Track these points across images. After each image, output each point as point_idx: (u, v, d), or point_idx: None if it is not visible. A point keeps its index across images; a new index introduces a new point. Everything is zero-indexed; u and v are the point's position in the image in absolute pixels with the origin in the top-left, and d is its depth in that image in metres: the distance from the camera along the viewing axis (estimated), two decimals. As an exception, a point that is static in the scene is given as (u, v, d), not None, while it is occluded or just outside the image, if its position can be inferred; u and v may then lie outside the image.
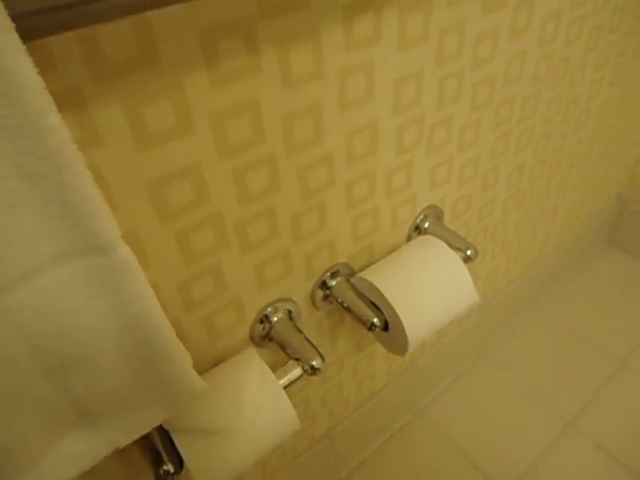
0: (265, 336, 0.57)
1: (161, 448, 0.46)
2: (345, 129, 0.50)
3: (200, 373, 0.50)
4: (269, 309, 0.56)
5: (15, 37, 0.19)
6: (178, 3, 0.29)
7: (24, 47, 0.20)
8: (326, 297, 0.61)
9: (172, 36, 0.34)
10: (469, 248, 0.63)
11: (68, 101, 0.32)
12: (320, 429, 0.81)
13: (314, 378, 0.71)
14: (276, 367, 0.53)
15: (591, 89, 0.82)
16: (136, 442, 0.47)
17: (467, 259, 0.63)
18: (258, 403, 0.47)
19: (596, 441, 0.94)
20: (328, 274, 0.60)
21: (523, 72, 0.66)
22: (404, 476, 0.93)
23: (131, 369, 0.32)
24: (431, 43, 0.51)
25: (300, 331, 0.56)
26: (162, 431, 0.46)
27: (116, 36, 0.31)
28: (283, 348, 0.56)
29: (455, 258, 0.58)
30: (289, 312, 0.58)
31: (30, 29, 0.23)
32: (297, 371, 0.52)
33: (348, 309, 0.59)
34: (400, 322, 0.54)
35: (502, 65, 0.62)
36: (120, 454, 0.51)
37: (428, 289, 0.56)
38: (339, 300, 0.60)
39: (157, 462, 0.46)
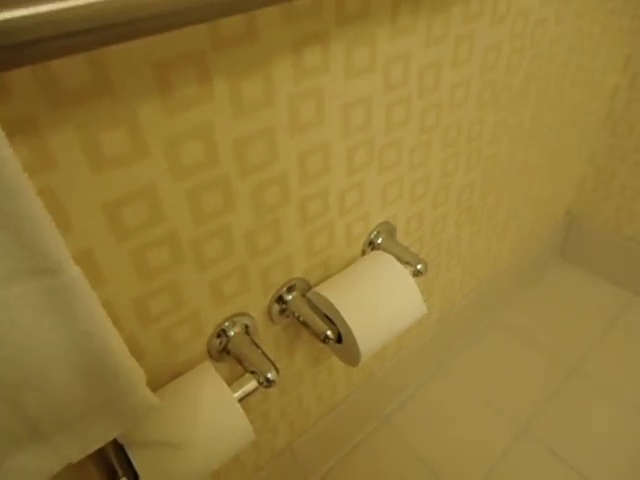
0: (222, 350, 0.58)
1: (116, 462, 0.47)
2: (297, 151, 0.53)
3: (158, 387, 0.52)
4: (226, 324, 0.57)
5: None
6: (133, 40, 0.31)
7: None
8: (282, 311, 0.63)
9: (126, 69, 0.36)
10: (419, 262, 0.67)
11: (23, 128, 0.33)
12: (281, 441, 0.83)
13: (272, 391, 0.72)
14: (233, 380, 0.55)
15: (534, 112, 0.88)
16: (91, 457, 0.48)
17: (417, 273, 0.67)
18: (212, 415, 0.48)
19: (550, 447, 0.98)
20: (284, 289, 0.62)
21: (468, 98, 0.70)
22: (366, 486, 0.95)
23: (82, 385, 0.33)
24: (377, 72, 0.55)
25: (257, 345, 0.58)
26: (117, 445, 0.47)
27: (71, 69, 0.33)
28: (240, 362, 0.57)
29: (404, 272, 0.62)
30: (246, 326, 0.60)
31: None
32: (252, 384, 0.54)
33: (304, 323, 0.61)
34: (352, 334, 0.57)
35: (447, 92, 0.66)
36: (74, 470, 0.52)
37: (379, 302, 0.59)
38: (295, 314, 0.62)
39: (112, 477, 0.46)
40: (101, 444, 0.37)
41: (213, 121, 0.44)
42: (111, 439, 0.38)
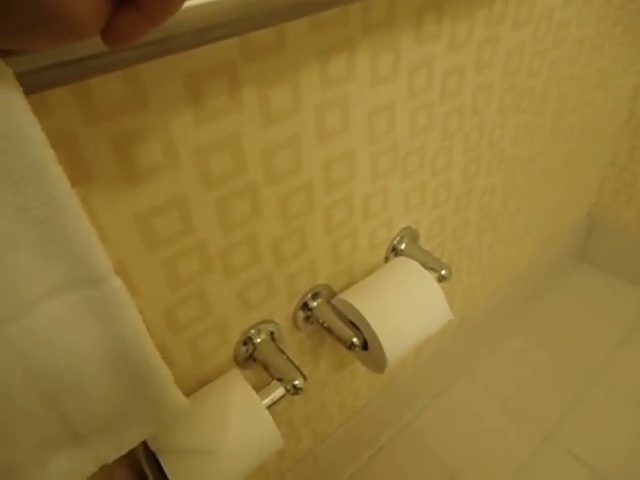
0: (249, 357, 0.59)
1: (147, 469, 0.47)
2: (323, 158, 0.53)
3: (186, 395, 0.52)
4: (252, 331, 0.58)
5: (22, 97, 0.22)
6: (169, 55, 0.31)
7: (29, 106, 0.22)
8: (307, 318, 0.63)
9: (159, 82, 0.37)
10: (443, 268, 0.67)
11: (61, 141, 0.34)
12: (304, 447, 0.83)
13: (297, 397, 0.72)
14: (260, 387, 0.55)
15: (555, 115, 0.87)
16: (124, 464, 0.48)
17: (441, 278, 0.66)
18: (242, 423, 0.48)
19: (573, 453, 0.97)
20: (309, 296, 0.62)
21: (490, 102, 0.70)
22: (388, 493, 0.94)
23: (120, 389, 0.34)
24: (401, 79, 0.55)
25: (282, 352, 0.58)
26: (148, 452, 0.47)
27: (107, 85, 0.34)
28: (266, 368, 0.58)
29: (429, 278, 0.61)
30: (271, 333, 0.60)
31: (30, 85, 0.26)
32: (280, 391, 0.54)
33: (329, 329, 0.61)
34: (378, 340, 0.57)
35: (469, 96, 0.66)
36: (109, 477, 0.52)
37: (404, 308, 0.59)
38: (320, 321, 0.62)
39: (143, 483, 0.47)
40: (133, 445, 0.38)
41: (242, 130, 0.44)
42: (143, 439, 0.38)
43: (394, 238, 0.69)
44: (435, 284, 0.61)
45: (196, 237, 0.46)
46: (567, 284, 1.34)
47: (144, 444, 0.47)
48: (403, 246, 0.70)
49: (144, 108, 0.37)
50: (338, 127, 0.52)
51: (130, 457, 0.48)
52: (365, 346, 0.61)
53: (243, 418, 0.49)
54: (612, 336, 1.19)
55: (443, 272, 0.67)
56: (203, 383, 0.56)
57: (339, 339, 0.59)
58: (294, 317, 0.62)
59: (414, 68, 0.56)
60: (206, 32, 0.32)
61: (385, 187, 0.63)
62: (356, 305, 0.58)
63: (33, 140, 0.22)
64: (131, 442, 0.38)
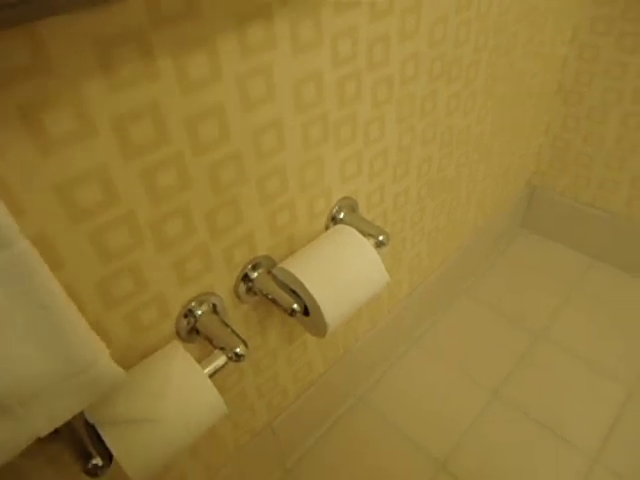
0: (191, 330, 0.59)
1: (88, 443, 0.47)
2: (250, 128, 0.54)
3: (126, 369, 0.52)
4: (193, 304, 0.58)
5: None
6: (64, 14, 0.31)
7: None
8: (249, 289, 0.64)
9: (64, 47, 0.36)
10: (381, 234, 0.69)
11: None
12: (260, 421, 0.84)
13: (247, 369, 0.74)
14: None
15: (486, 84, 0.91)
16: (64, 439, 0.48)
17: (380, 244, 0.69)
18: (183, 390, 0.49)
19: (522, 409, 1.02)
20: (249, 267, 0.63)
21: (418, 71, 0.72)
22: (348, 460, 0.97)
23: (43, 358, 0.34)
24: (325, 47, 0.56)
25: (225, 323, 0.59)
26: (89, 426, 0.47)
27: (6, 46, 0.34)
28: (210, 341, 0.58)
29: (365, 243, 0.63)
30: (214, 306, 0.61)
31: None
32: (222, 359, 0.55)
33: (272, 300, 0.62)
34: (317, 305, 0.59)
35: (397, 65, 0.68)
36: (47, 452, 0.52)
37: (342, 273, 0.61)
38: (262, 291, 0.63)
39: (85, 457, 0.47)
40: (68, 417, 0.38)
41: (160, 99, 0.44)
42: (78, 412, 0.38)
43: (332, 207, 0.71)
44: (371, 248, 0.63)
45: (122, 208, 0.46)
46: (511, 250, 1.40)
47: (84, 417, 0.47)
48: (342, 215, 0.72)
49: (49, 74, 0.36)
50: (263, 96, 0.53)
51: (71, 432, 0.48)
52: (307, 312, 0.62)
53: (184, 385, 0.49)
54: (555, 296, 1.26)
55: (381, 237, 0.69)
56: (147, 357, 0.56)
57: (281, 307, 0.61)
58: (235, 289, 0.63)
59: (337, 36, 0.57)
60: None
61: (319, 157, 0.64)
62: (294, 272, 0.59)
63: None
64: (64, 413, 0.38)
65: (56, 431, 0.43)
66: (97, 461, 0.47)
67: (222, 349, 0.56)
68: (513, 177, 1.26)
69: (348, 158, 0.69)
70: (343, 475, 0.95)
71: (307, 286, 0.58)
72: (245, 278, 0.63)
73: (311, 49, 0.55)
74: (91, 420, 0.46)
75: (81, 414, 0.47)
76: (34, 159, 0.38)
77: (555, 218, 1.37)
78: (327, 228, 0.72)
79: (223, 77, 0.48)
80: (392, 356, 1.15)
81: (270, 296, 0.62)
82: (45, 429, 0.38)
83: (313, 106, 0.59)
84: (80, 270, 0.46)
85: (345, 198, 0.72)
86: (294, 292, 0.62)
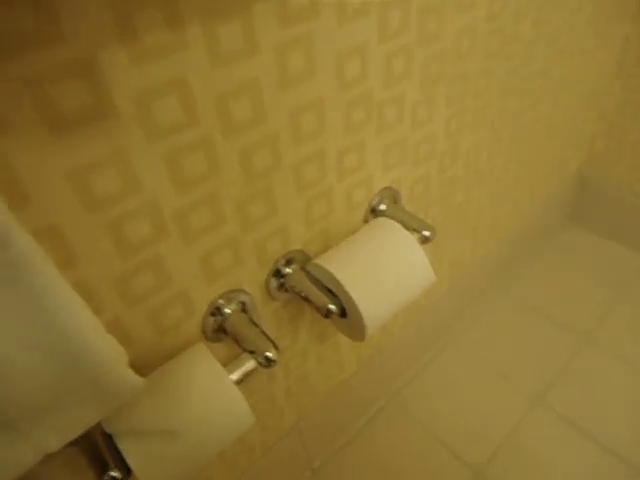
0: (218, 329, 0.54)
1: (106, 452, 0.43)
2: (288, 108, 0.48)
3: (148, 372, 0.48)
4: (221, 301, 0.53)
5: None
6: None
7: None
8: (281, 286, 0.59)
9: (76, 9, 0.31)
10: (426, 228, 0.62)
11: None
12: (288, 422, 0.80)
13: (277, 371, 0.69)
14: (231, 361, 0.51)
15: (544, 64, 0.82)
16: (81, 449, 0.45)
17: (424, 239, 0.62)
18: (208, 399, 0.44)
19: (565, 416, 0.95)
20: (282, 262, 0.58)
21: (473, 47, 0.65)
22: (377, 462, 0.92)
23: (50, 368, 0.30)
24: (372, 17, 0.50)
25: (254, 323, 0.54)
26: (107, 435, 0.43)
27: (7, 10, 0.28)
28: (237, 341, 0.53)
29: (410, 239, 0.57)
30: (243, 304, 0.56)
31: None
32: (250, 364, 0.50)
33: (305, 297, 0.57)
34: (356, 306, 0.53)
35: (450, 39, 0.60)
36: (65, 462, 0.48)
37: (384, 272, 0.55)
38: (295, 289, 0.58)
39: (102, 467, 0.43)
40: (80, 432, 0.34)
41: (189, 73, 0.39)
42: (91, 426, 0.34)
43: (373, 198, 0.65)
44: (417, 245, 0.57)
45: (144, 197, 0.41)
46: (558, 246, 1.31)
47: (101, 426, 0.43)
48: (383, 207, 0.66)
49: (60, 42, 0.31)
50: (303, 71, 0.47)
51: (88, 442, 0.44)
52: (343, 313, 0.57)
53: (208, 394, 0.45)
54: (604, 298, 1.17)
55: (426, 233, 0.62)
56: (169, 359, 0.52)
57: (315, 307, 0.55)
58: (267, 285, 0.58)
59: (388, 5, 0.50)
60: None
61: (360, 141, 0.58)
62: (331, 270, 0.53)
63: None
64: (75, 428, 0.34)
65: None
66: (115, 474, 0.43)
67: (252, 352, 0.51)
68: (563, 165, 1.16)
69: (392, 144, 0.62)
70: (372, 477, 0.90)
71: (346, 286, 0.52)
72: (277, 274, 0.58)
73: (358, 18, 0.48)
74: (108, 430, 0.42)
75: (98, 422, 0.43)
76: (47, 141, 0.34)
77: (607, 212, 1.27)
78: (366, 221, 0.66)
79: (259, 49, 0.42)
80: (427, 356, 1.09)
81: (303, 294, 0.57)
82: (54, 445, 0.33)
83: (357, 84, 0.53)
84: (97, 265, 0.41)
85: (387, 188, 0.66)
86: (330, 291, 0.56)
